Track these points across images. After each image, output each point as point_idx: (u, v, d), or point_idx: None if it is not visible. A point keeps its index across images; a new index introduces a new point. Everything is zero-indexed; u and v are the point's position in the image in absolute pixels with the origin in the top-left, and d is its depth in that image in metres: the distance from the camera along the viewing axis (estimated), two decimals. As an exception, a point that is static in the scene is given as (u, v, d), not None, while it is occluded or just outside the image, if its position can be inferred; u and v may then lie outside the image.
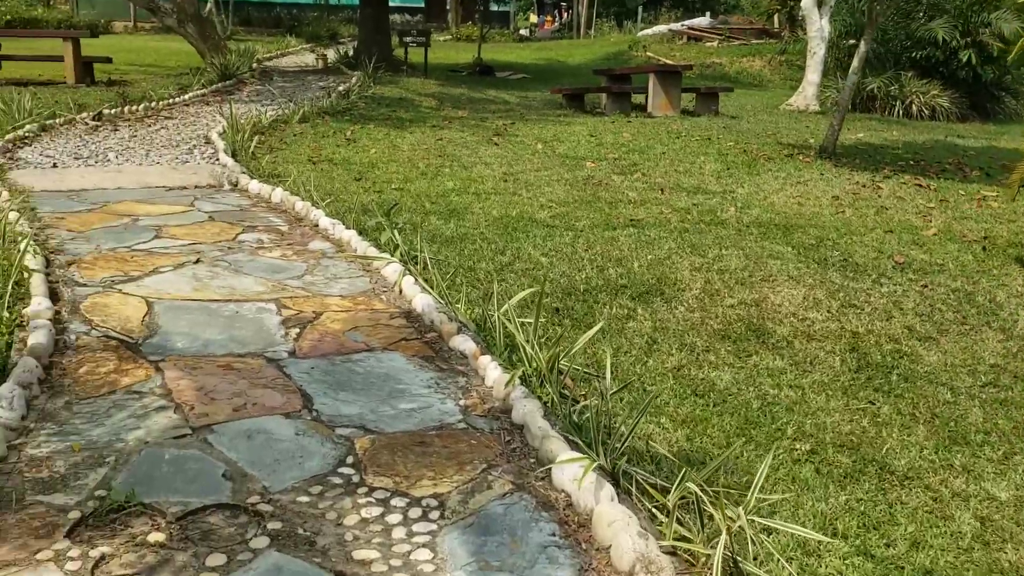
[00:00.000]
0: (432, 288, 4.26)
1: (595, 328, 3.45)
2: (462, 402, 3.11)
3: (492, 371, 3.23)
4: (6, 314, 3.62)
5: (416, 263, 4.71)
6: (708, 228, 5.89)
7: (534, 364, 3.25)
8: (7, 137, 8.10)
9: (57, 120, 9.45)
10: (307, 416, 2.96)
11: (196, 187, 6.68)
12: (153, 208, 5.86)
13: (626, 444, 2.83)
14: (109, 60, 13.95)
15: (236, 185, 6.76)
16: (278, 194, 6.22)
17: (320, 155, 8.45)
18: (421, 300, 4.08)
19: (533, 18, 37.62)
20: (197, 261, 4.67)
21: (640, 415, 2.94)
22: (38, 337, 3.32)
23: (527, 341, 3.36)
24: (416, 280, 4.32)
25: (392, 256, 4.69)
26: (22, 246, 4.36)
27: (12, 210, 5.21)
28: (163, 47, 21.33)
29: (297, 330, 3.77)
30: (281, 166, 7.67)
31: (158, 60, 18.12)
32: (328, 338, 3.70)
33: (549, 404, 3.05)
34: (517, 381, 3.07)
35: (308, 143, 9.11)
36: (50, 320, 3.57)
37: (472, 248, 5.19)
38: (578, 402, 3.22)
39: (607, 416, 2.93)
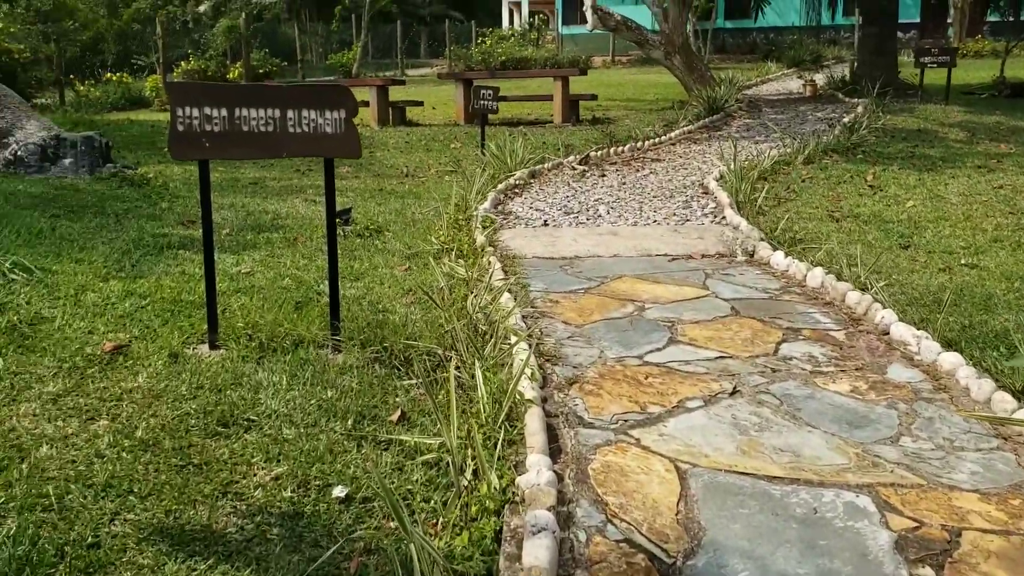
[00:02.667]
0: None
1: None
2: None
3: None
4: (494, 479, 2.58)
5: (1094, 433, 2.85)
6: None
7: None
8: (499, 187, 7.69)
9: (546, 165, 9.01)
10: None
11: (703, 256, 5.44)
12: (659, 289, 4.70)
13: None
14: (594, 97, 13.69)
15: (752, 256, 5.39)
16: (816, 276, 4.70)
17: (840, 208, 6.78)
18: None
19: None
20: (734, 392, 3.32)
21: None
22: (537, 553, 2.17)
23: None
24: (1124, 483, 2.49)
25: (1051, 418, 2.88)
26: (517, 357, 3.39)
27: (505, 289, 4.38)
28: (641, 80, 21.19)
29: (931, 573, 2.19)
30: (799, 224, 6.16)
31: (637, 94, 17.80)
32: (1000, 609, 2.06)
33: None
34: None
35: (821, 191, 7.49)
36: (551, 508, 2.42)
37: None
38: None
39: None
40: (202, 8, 33.76)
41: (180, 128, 3.39)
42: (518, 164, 8.60)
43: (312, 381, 3.28)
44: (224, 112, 3.39)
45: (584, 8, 13.05)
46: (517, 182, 8.13)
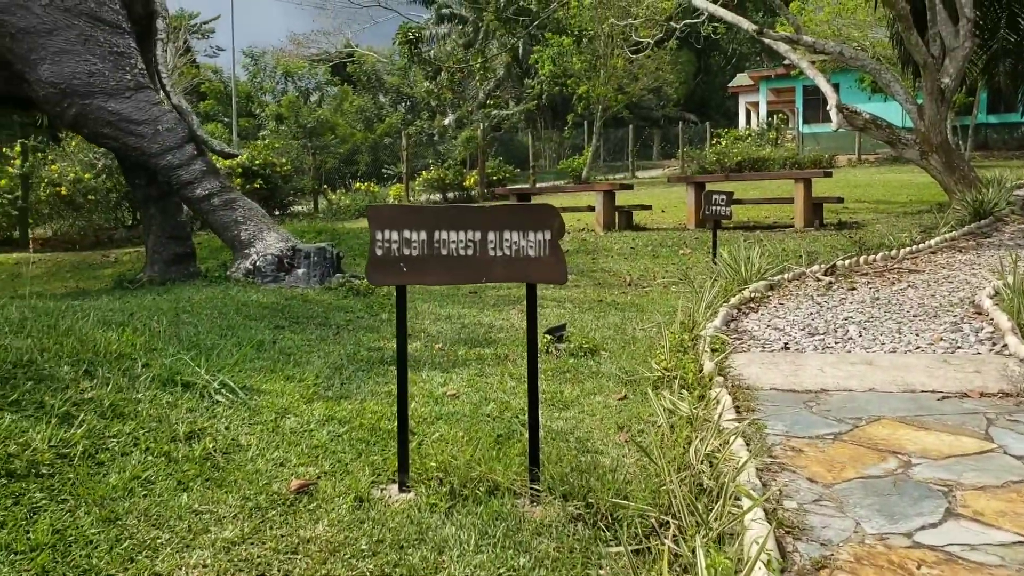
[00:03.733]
0: None
1: None
2: None
3: None
4: None
5: None
6: None
7: None
8: (732, 301, 7.05)
9: (786, 276, 8.24)
10: None
11: (982, 395, 4.51)
12: (928, 438, 3.87)
13: None
14: (840, 200, 12.72)
15: (1047, 396, 4.39)
16: None
17: None
18: None
19: None
20: (1045, 600, 2.50)
21: None
22: None
23: None
24: None
25: None
26: (750, 531, 2.77)
27: (737, 433, 3.75)
28: (891, 179, 19.71)
29: None
30: (1105, 358, 5.03)
31: (887, 195, 16.48)
32: None
33: None
34: None
35: None
36: None
37: None
38: None
39: None
40: (447, 121, 35.98)
41: (379, 252, 3.17)
42: (754, 275, 7.92)
43: (503, 542, 2.84)
44: (423, 236, 3.14)
45: (828, 107, 12.26)
46: (752, 295, 7.45)
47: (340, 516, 3.00)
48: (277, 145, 20.04)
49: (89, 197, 15.56)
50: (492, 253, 3.11)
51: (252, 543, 2.79)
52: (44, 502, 2.88)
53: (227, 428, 3.66)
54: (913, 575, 2.67)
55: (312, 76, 39.38)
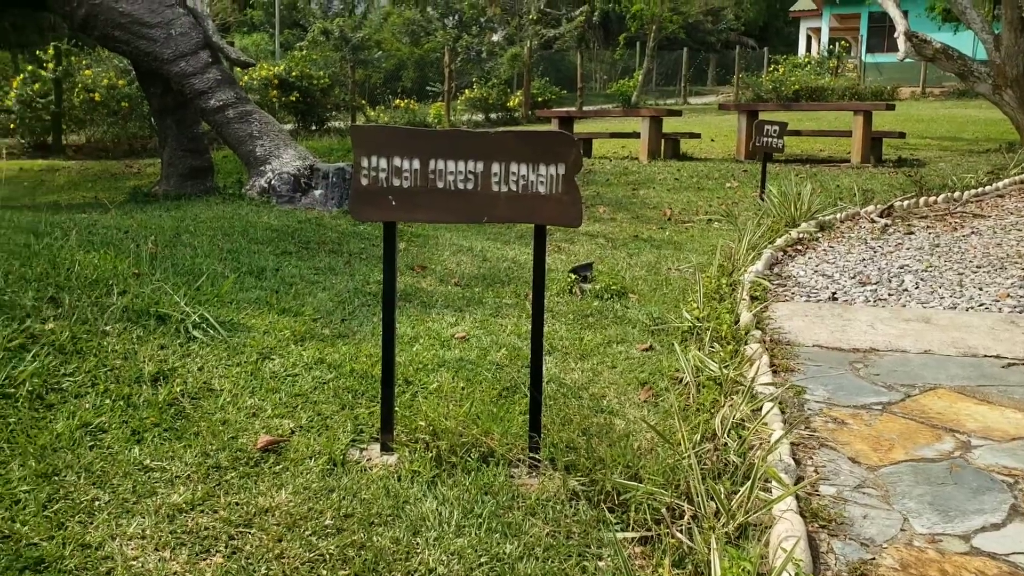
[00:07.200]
0: None
1: None
2: None
3: None
4: None
5: None
6: None
7: None
8: (778, 242, 6.51)
9: (838, 215, 7.66)
10: None
11: (1054, 365, 3.99)
12: (991, 414, 3.39)
13: None
14: (902, 135, 11.90)
15: None
16: None
17: None
18: None
19: None
20: None
21: None
22: None
23: None
24: None
25: None
26: (778, 526, 2.37)
27: (772, 399, 3.31)
28: (958, 115, 18.61)
29: None
30: None
31: (952, 131, 15.52)
32: None
33: None
34: None
35: None
36: None
37: None
38: None
39: None
40: (496, 38, 34.83)
41: (364, 182, 2.73)
42: (804, 213, 7.35)
43: (490, 523, 2.46)
44: (416, 164, 2.68)
45: (896, 35, 11.37)
46: (801, 236, 6.90)
47: (308, 482, 2.63)
48: (315, 57, 19.46)
49: (123, 104, 15.24)
50: (496, 188, 2.65)
51: (202, 510, 2.45)
52: (-25, 451, 2.55)
53: (200, 369, 3.30)
54: (971, 592, 2.24)
55: (360, -13, 38.25)
